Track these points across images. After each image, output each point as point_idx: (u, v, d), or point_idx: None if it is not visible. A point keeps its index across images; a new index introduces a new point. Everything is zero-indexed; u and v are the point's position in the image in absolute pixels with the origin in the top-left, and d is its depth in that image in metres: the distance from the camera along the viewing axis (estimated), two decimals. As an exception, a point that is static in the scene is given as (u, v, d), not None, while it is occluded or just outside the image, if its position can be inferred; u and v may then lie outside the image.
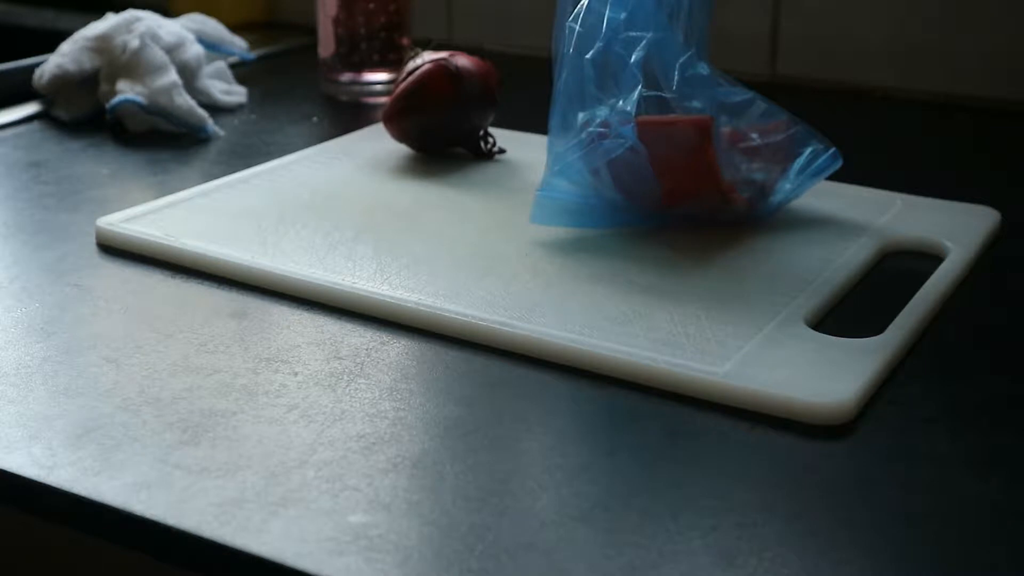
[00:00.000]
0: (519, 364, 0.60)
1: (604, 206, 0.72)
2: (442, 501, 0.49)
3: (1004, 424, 0.55)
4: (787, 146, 0.75)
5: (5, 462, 0.52)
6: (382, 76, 1.07)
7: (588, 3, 0.71)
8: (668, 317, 0.62)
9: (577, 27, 0.71)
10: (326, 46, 1.08)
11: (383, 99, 1.02)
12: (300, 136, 0.97)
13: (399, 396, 0.57)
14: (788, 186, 0.74)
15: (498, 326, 0.62)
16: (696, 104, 0.72)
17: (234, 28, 1.14)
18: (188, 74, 1.00)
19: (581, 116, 0.71)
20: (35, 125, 0.99)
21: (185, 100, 0.95)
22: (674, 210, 0.73)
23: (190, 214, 0.77)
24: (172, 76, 0.96)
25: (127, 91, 0.95)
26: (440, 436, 0.54)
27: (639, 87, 0.70)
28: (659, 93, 0.71)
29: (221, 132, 0.96)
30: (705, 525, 0.47)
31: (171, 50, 0.99)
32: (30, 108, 1.01)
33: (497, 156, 0.88)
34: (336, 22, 1.06)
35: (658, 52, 0.71)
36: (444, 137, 0.88)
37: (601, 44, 0.71)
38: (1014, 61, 1.03)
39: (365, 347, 0.62)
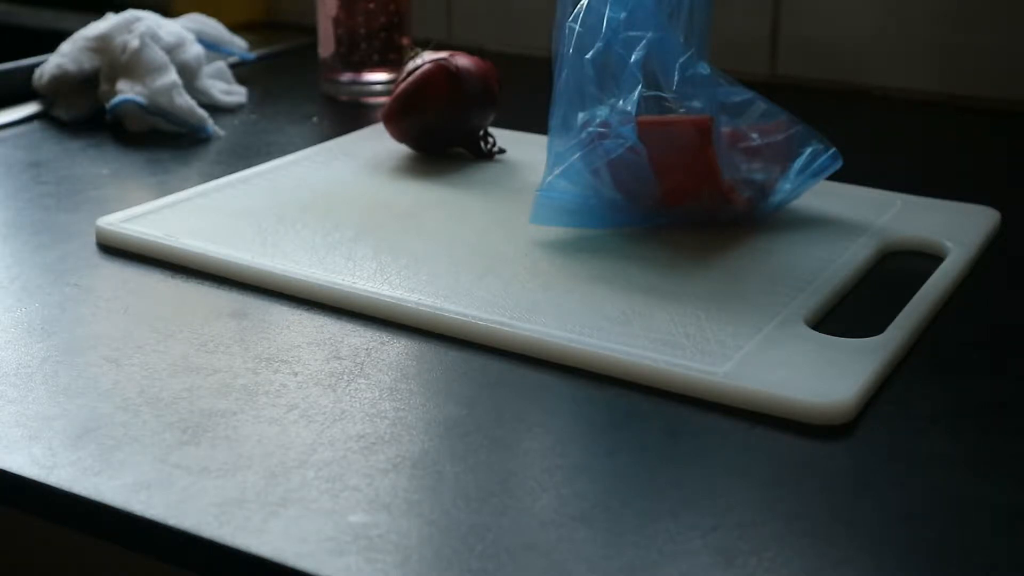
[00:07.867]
0: (519, 364, 0.60)
1: (604, 206, 0.72)
2: (442, 501, 0.49)
3: (1004, 424, 0.55)
4: (787, 146, 0.75)
5: (5, 462, 0.52)
6: (382, 76, 1.07)
7: (588, 3, 0.71)
8: (668, 317, 0.62)
9: (577, 27, 0.71)
10: (326, 46, 1.08)
11: (383, 99, 1.02)
12: (300, 136, 0.97)
13: (399, 396, 0.57)
14: (788, 186, 0.74)
15: (498, 326, 0.62)
16: (696, 104, 0.72)
17: (234, 28, 1.14)
18: (188, 74, 1.00)
19: (581, 116, 0.71)
20: (35, 125, 0.99)
21: (185, 100, 0.95)
22: (674, 210, 0.73)
23: (190, 214, 0.77)
24: (172, 76, 0.96)
25: (127, 91, 0.95)
26: (440, 436, 0.54)
27: (639, 87, 0.70)
28: (659, 93, 0.71)
29: (221, 132, 0.96)
30: (705, 525, 0.47)
31: (171, 50, 0.99)
32: (30, 108, 1.01)
33: (497, 156, 0.88)
34: (336, 22, 1.06)
35: (658, 52, 0.71)
36: (444, 137, 0.88)
37: (601, 44, 0.71)
38: (1014, 61, 1.03)
39: (365, 347, 0.62)
